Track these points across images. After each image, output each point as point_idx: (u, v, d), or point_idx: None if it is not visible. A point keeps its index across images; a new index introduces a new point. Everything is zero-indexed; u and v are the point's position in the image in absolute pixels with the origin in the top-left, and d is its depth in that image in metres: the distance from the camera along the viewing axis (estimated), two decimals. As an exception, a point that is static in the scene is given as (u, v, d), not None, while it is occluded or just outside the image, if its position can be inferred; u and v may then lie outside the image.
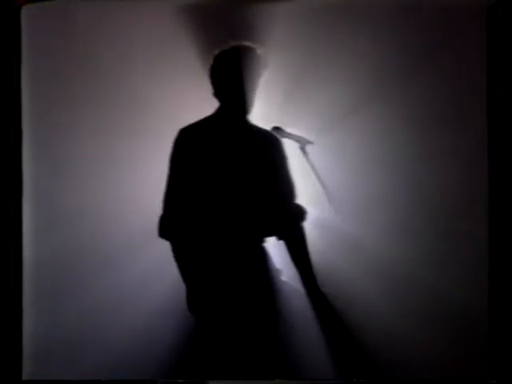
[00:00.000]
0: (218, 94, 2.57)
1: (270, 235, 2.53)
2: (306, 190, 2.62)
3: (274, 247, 2.55)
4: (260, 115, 2.58)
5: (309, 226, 2.62)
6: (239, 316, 2.47)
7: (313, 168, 2.66)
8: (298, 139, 2.63)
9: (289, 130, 2.62)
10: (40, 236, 2.68)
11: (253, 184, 2.49)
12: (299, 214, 2.55)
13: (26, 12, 2.67)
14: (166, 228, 2.51)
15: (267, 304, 2.48)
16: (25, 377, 2.64)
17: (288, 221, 2.54)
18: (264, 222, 2.50)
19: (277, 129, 2.59)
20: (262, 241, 2.53)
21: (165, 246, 2.56)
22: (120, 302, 2.69)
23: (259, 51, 2.53)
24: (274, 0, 2.67)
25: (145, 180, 2.68)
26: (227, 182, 2.49)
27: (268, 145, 2.52)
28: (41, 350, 2.65)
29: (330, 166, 2.67)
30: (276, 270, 2.54)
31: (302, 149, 2.64)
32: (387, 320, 2.68)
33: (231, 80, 2.53)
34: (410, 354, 2.65)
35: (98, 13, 2.71)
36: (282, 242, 2.56)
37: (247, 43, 2.54)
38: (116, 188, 2.72)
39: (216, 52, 2.56)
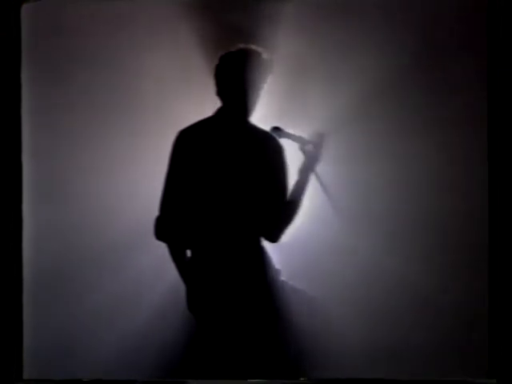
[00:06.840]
0: (220, 93, 2.56)
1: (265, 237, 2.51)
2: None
3: (274, 247, 2.55)
4: (260, 115, 2.57)
5: (308, 225, 2.62)
6: (239, 316, 2.47)
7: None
8: (297, 139, 2.61)
9: (288, 130, 2.61)
10: (40, 237, 2.69)
11: (250, 186, 2.48)
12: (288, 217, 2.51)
13: (26, 10, 2.67)
14: (163, 230, 2.50)
15: (266, 304, 2.48)
16: (25, 376, 2.65)
17: (277, 223, 2.49)
18: (258, 222, 2.47)
19: (276, 129, 2.57)
20: (261, 240, 2.52)
21: (165, 246, 2.56)
22: (120, 302, 2.70)
23: (265, 56, 2.52)
24: (275, 1, 2.67)
25: (146, 179, 2.68)
26: (225, 184, 2.48)
27: (267, 149, 2.49)
28: (41, 350, 2.67)
29: (330, 166, 2.67)
30: (276, 270, 2.54)
31: (302, 149, 2.62)
32: (388, 320, 2.68)
33: (235, 80, 2.52)
34: (410, 354, 2.66)
35: (101, 12, 2.71)
36: (282, 242, 2.55)
37: (254, 47, 2.53)
38: (116, 188, 2.73)
39: (222, 52, 2.56)
